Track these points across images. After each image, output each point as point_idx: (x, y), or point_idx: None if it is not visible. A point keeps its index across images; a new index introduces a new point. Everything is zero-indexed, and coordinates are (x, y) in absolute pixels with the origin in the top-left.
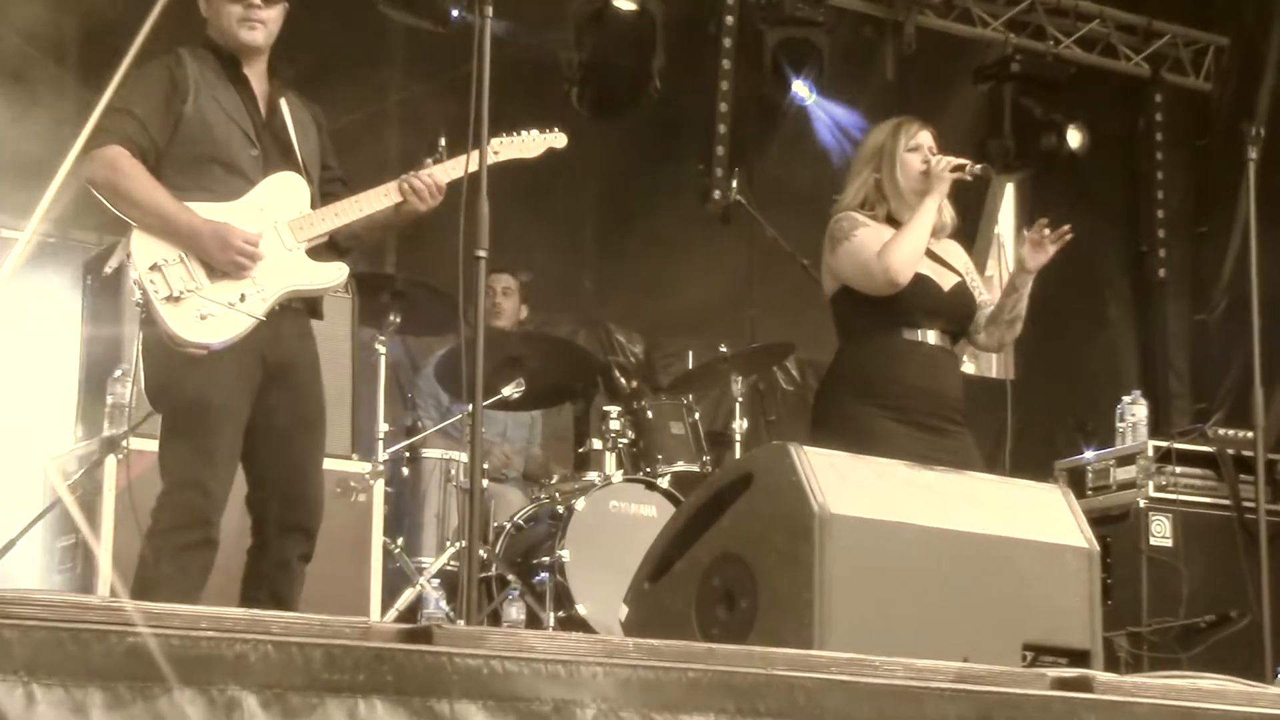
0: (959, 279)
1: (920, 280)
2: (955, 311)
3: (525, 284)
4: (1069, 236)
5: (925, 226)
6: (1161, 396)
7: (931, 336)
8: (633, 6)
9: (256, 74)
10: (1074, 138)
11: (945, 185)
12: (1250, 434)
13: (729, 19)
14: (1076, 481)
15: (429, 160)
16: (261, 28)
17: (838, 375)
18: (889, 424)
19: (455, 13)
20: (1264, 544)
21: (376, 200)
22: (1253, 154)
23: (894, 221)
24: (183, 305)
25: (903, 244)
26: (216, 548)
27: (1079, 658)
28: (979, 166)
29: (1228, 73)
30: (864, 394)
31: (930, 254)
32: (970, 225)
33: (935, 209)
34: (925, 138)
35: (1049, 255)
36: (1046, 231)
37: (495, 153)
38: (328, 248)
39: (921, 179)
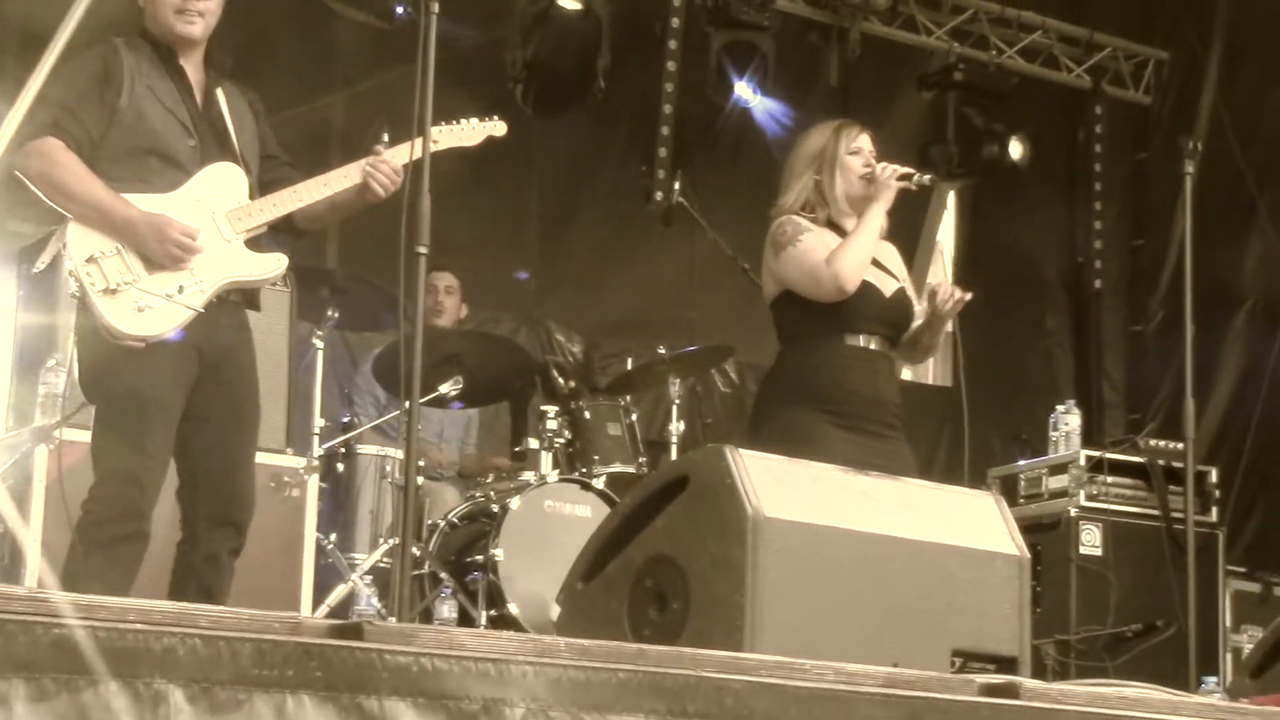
0: (899, 285)
1: (864, 286)
2: (895, 318)
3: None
4: (967, 298)
5: (873, 234)
6: (1095, 406)
7: (873, 342)
8: (578, 6)
9: (193, 64)
10: (1015, 148)
11: (891, 194)
12: (1181, 445)
13: (675, 21)
14: (1009, 489)
15: (378, 147)
16: (200, 20)
17: (779, 379)
18: (830, 429)
19: (400, 9)
20: (1191, 555)
21: (332, 184)
22: (1190, 168)
23: (834, 225)
24: (120, 298)
25: (851, 252)
26: (148, 541)
27: (1007, 664)
28: (926, 177)
29: (1168, 86)
30: (805, 399)
31: (872, 259)
32: (912, 231)
33: (882, 217)
34: (865, 141)
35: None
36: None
37: (435, 141)
38: (287, 230)
39: (862, 184)
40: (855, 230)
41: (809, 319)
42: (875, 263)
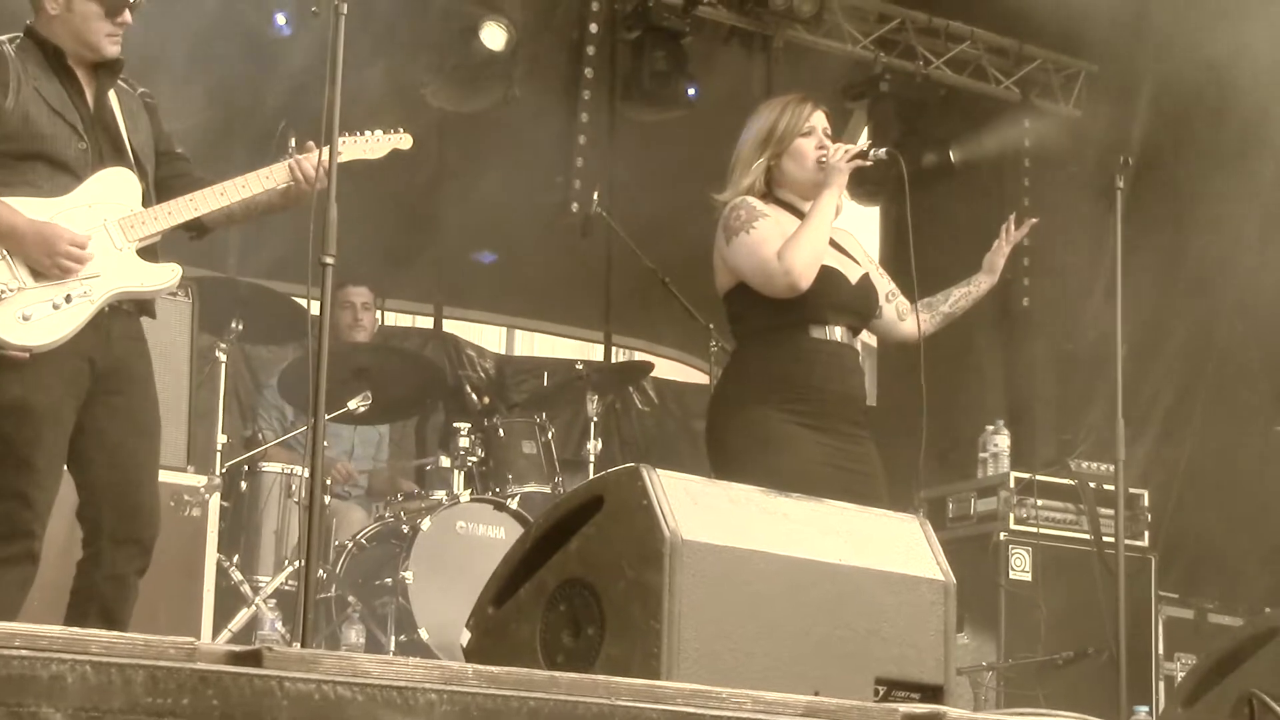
0: (863, 270)
1: (827, 274)
2: (862, 305)
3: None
4: (1030, 225)
5: (826, 223)
6: (1025, 427)
7: (838, 333)
8: (500, 48)
9: (83, 66)
10: (943, 158)
11: (844, 177)
12: (1113, 467)
13: (593, 26)
14: (937, 511)
15: (290, 149)
16: (120, 37)
17: (739, 377)
18: (800, 430)
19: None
20: (1122, 580)
21: (251, 186)
22: (1121, 183)
23: (791, 208)
24: (3, 306)
25: (803, 245)
26: (38, 562)
27: (932, 693)
28: (882, 151)
29: (1098, 100)
30: (772, 398)
31: (832, 243)
32: None
33: (835, 203)
34: (820, 119)
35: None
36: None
37: (339, 152)
38: (194, 228)
39: (817, 168)
40: (807, 220)
41: (769, 310)
42: (837, 246)
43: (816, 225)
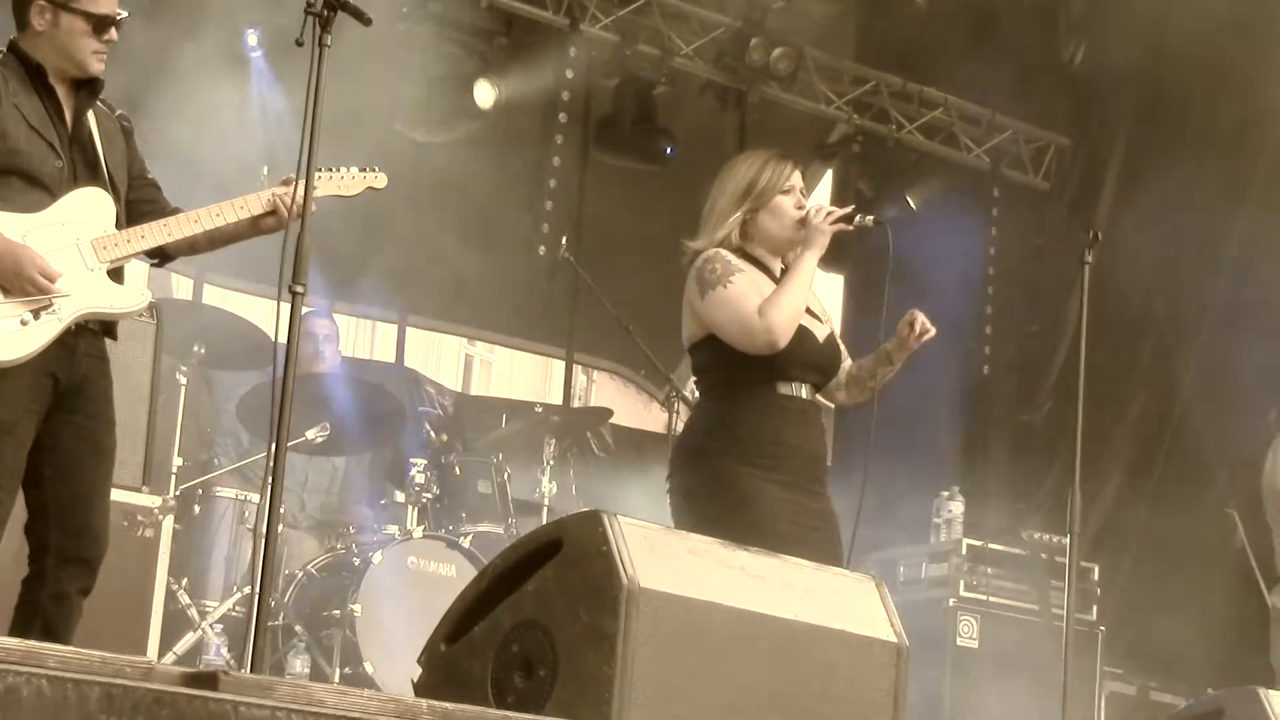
0: (829, 329)
1: (797, 332)
2: (827, 364)
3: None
4: (930, 335)
5: (807, 283)
6: (980, 495)
7: (804, 390)
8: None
9: (64, 84)
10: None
11: (827, 239)
12: (1065, 539)
13: (569, 72)
14: (888, 574)
15: (262, 180)
16: (106, 55)
17: (707, 431)
18: (769, 486)
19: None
20: (1068, 652)
21: (225, 215)
22: (1089, 258)
23: (761, 264)
24: None
25: (785, 304)
26: None
27: None
28: (869, 219)
29: (1068, 174)
30: (737, 451)
31: None
32: None
33: (815, 264)
34: (798, 179)
35: (913, 349)
36: (917, 326)
37: (314, 188)
38: (151, 258)
39: (795, 227)
40: (789, 279)
41: (737, 364)
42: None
43: (798, 285)
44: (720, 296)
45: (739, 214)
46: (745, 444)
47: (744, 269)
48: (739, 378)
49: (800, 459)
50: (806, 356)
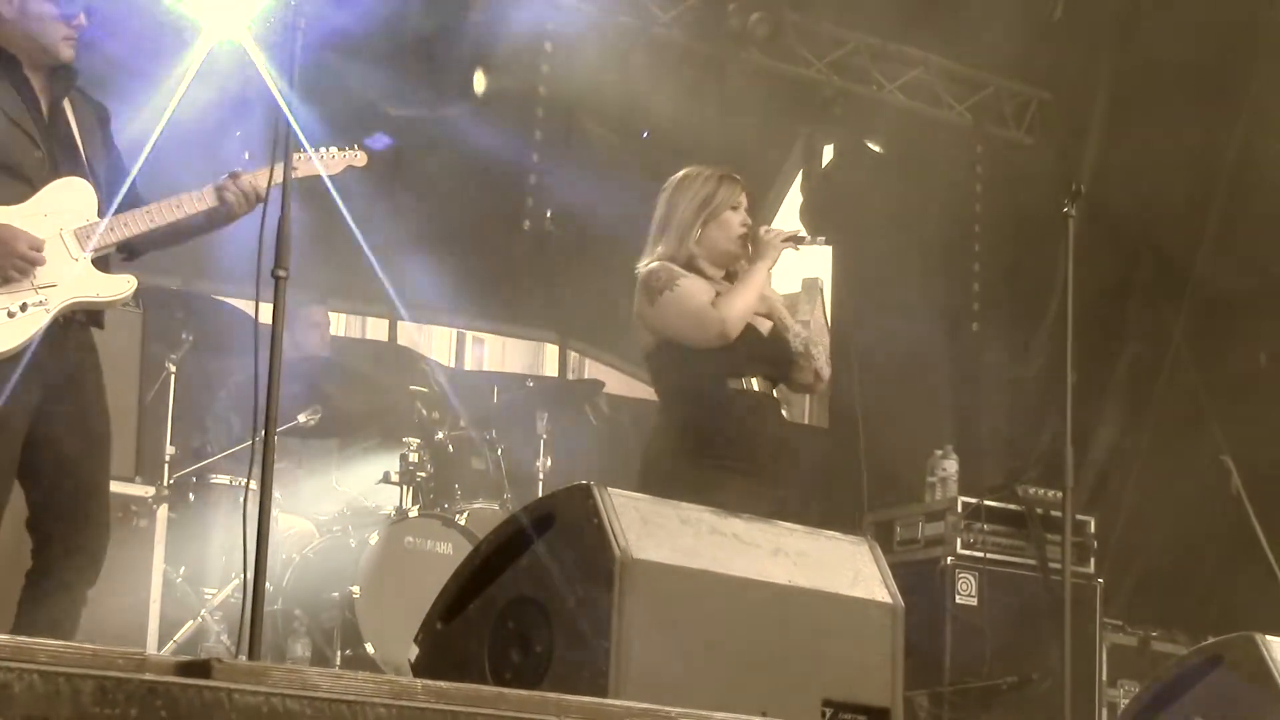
0: (772, 324)
1: (744, 329)
2: (775, 356)
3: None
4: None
5: (758, 290)
6: (974, 452)
7: (755, 383)
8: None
9: (39, 74)
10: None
11: (778, 254)
12: (1060, 494)
13: (548, 45)
14: (884, 535)
15: (237, 169)
16: (76, 40)
17: (670, 432)
18: (735, 478)
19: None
20: (1068, 606)
21: (185, 206)
22: (1073, 210)
23: (705, 276)
24: None
25: (736, 300)
26: None
27: (878, 715)
28: (820, 239)
29: (1050, 127)
30: (705, 450)
31: None
32: None
33: (766, 273)
34: (744, 199)
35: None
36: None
37: (294, 169)
38: (120, 252)
39: (739, 241)
40: (743, 282)
41: (689, 367)
42: None
43: (750, 287)
44: (670, 297)
45: (698, 225)
46: (704, 442)
47: (687, 274)
48: (693, 377)
49: (758, 446)
50: (752, 350)
